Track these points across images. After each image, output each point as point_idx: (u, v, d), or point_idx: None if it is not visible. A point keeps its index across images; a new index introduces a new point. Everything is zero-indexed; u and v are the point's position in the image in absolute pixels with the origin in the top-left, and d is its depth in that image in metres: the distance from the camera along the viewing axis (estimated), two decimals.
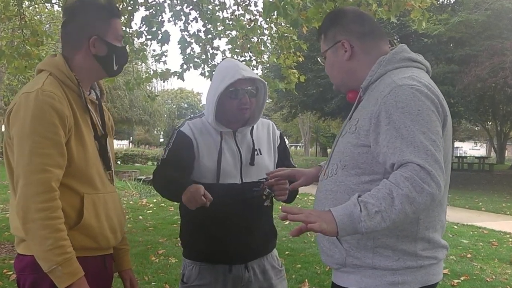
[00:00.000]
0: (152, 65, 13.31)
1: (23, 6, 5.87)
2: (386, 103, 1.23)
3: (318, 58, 1.53)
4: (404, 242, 1.28)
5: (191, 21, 5.93)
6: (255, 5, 15.15)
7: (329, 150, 25.65)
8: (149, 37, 5.63)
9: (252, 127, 1.88)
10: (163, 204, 9.64)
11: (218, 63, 6.31)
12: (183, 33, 5.97)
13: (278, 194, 1.73)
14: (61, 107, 1.34)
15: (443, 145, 1.23)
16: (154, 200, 10.49)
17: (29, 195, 1.28)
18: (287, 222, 6.30)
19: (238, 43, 6.25)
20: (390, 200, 1.13)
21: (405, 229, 1.27)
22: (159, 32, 5.59)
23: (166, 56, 6.16)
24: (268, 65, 7.69)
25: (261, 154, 1.87)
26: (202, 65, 6.21)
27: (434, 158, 1.16)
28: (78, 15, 1.46)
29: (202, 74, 6.32)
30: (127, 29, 5.64)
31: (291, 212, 1.21)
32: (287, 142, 1.98)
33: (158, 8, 5.57)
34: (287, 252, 5.29)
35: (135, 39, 5.89)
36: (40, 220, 1.28)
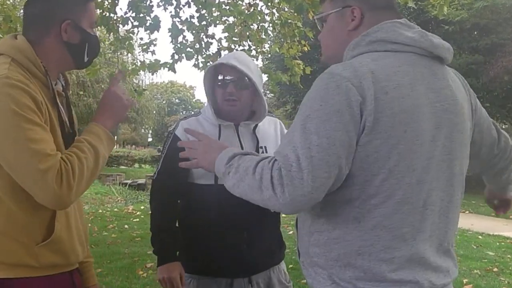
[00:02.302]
0: (139, 55, 13.34)
1: None
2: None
3: (316, 19, 1.43)
4: (333, 266, 1.22)
5: (183, 5, 5.93)
6: None
7: None
8: (136, 24, 5.63)
9: (256, 124, 1.90)
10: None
11: (213, 53, 6.35)
12: (174, 19, 5.96)
13: None
14: (33, 93, 1.28)
15: (348, 153, 1.13)
16: (142, 207, 10.50)
17: (36, 170, 1.21)
18: (290, 232, 6.30)
19: (236, 30, 6.25)
20: (244, 175, 1.17)
21: (332, 249, 1.21)
22: (148, 18, 5.59)
23: (155, 45, 6.15)
24: (269, 55, 7.70)
25: (266, 152, 1.88)
26: (196, 55, 6.20)
27: (300, 166, 1.08)
28: None
29: (196, 65, 6.31)
30: (112, 15, 5.64)
31: (190, 146, 1.37)
32: None
33: None
34: (291, 266, 5.29)
35: (120, 26, 5.89)
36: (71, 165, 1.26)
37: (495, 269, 5.45)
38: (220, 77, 1.82)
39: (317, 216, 1.26)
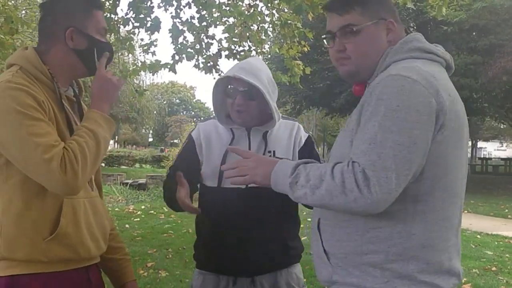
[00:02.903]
0: (140, 56, 13.34)
1: None
2: (372, 93, 1.23)
3: (341, 27, 1.41)
4: (395, 261, 1.24)
5: (184, 6, 5.92)
6: None
7: None
8: (137, 24, 5.62)
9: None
10: (152, 211, 9.65)
11: (213, 54, 6.35)
12: (174, 20, 5.96)
13: None
14: (36, 94, 1.36)
15: (425, 150, 1.19)
16: (142, 207, 10.50)
17: (41, 161, 1.28)
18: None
19: (236, 31, 6.24)
20: (319, 182, 1.19)
21: (395, 244, 1.24)
22: (148, 19, 5.58)
23: (155, 46, 6.14)
24: (269, 56, 7.70)
25: (274, 156, 1.88)
26: (196, 56, 6.19)
27: (384, 165, 1.13)
28: (55, 7, 1.49)
29: (196, 66, 6.31)
30: (112, 16, 5.63)
31: (228, 167, 1.37)
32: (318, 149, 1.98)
33: None
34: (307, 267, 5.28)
35: (121, 27, 5.89)
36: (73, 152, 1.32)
37: (494, 268, 5.45)
38: (229, 87, 1.84)
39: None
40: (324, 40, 1.48)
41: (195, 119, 50.42)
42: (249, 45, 6.44)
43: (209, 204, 1.87)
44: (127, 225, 7.81)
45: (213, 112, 1.94)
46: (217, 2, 5.93)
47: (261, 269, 1.85)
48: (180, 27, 5.98)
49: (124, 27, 5.85)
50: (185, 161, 1.92)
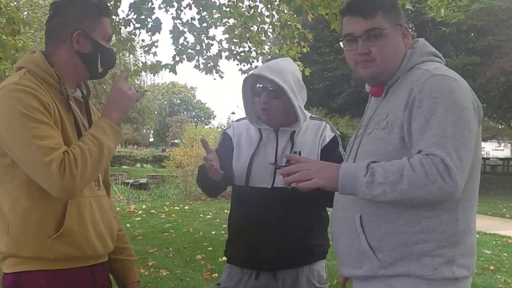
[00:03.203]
0: (141, 56, 13.28)
1: None
2: (421, 92, 1.31)
3: (365, 31, 1.44)
4: (444, 247, 1.32)
5: (184, 7, 5.93)
6: None
7: None
8: (138, 25, 5.63)
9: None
10: (153, 211, 9.66)
11: (213, 54, 6.35)
12: (175, 21, 5.97)
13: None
14: (41, 96, 1.38)
15: (475, 143, 1.31)
16: (144, 206, 10.51)
17: (41, 163, 1.30)
18: None
19: (236, 32, 6.25)
20: (399, 176, 1.23)
21: (445, 231, 1.32)
22: (149, 20, 5.59)
23: (156, 46, 6.16)
24: (269, 56, 7.69)
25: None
26: (197, 56, 6.21)
27: (458, 155, 1.23)
28: (65, 9, 1.51)
29: (197, 66, 6.32)
30: (114, 17, 5.63)
31: (288, 172, 1.37)
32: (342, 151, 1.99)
33: None
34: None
35: (122, 28, 5.89)
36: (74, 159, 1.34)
37: (492, 267, 5.45)
38: (257, 86, 1.90)
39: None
40: (341, 43, 1.51)
41: (195, 119, 50.46)
42: (249, 46, 6.46)
43: (237, 201, 1.99)
44: (128, 225, 7.81)
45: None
46: (218, 4, 5.94)
47: (282, 265, 1.89)
48: (181, 28, 5.99)
49: (125, 28, 5.86)
50: (221, 154, 1.92)
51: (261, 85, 1.87)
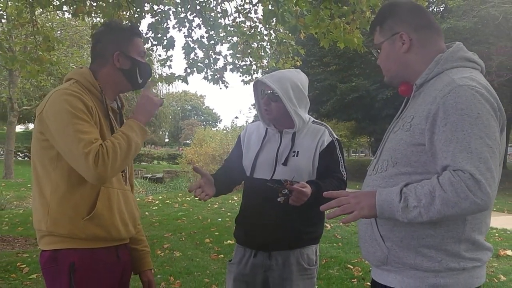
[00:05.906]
0: (157, 69, 13.33)
1: (36, 13, 5.86)
2: (445, 103, 1.17)
3: (372, 50, 1.44)
4: (449, 243, 1.22)
5: (195, 27, 5.93)
6: (255, 13, 15.18)
7: None
8: (155, 42, 5.63)
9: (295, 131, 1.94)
10: (168, 201, 9.65)
11: (220, 67, 6.35)
12: (187, 39, 5.97)
13: (293, 200, 1.71)
14: (86, 101, 1.44)
15: (500, 150, 1.18)
16: (160, 197, 10.50)
17: (81, 153, 1.34)
18: None
19: (239, 48, 6.25)
20: (431, 198, 1.13)
21: (451, 229, 1.22)
22: (165, 38, 5.58)
23: (171, 60, 6.15)
24: (267, 69, 7.68)
25: (297, 156, 1.89)
26: (205, 69, 6.21)
27: (487, 166, 1.11)
28: (104, 36, 1.58)
29: (205, 77, 6.32)
30: None
31: (329, 207, 1.26)
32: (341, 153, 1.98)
33: (164, 15, 5.56)
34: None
35: None
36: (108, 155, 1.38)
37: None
38: (260, 90, 1.96)
39: None
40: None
41: (204, 123, 50.41)
42: (250, 60, 6.46)
43: (244, 190, 2.04)
44: (146, 213, 7.80)
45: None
46: (223, 24, 5.95)
47: (275, 247, 1.89)
48: (192, 45, 6.00)
49: (144, 44, 5.84)
50: (233, 154, 2.10)
51: (263, 90, 1.92)
